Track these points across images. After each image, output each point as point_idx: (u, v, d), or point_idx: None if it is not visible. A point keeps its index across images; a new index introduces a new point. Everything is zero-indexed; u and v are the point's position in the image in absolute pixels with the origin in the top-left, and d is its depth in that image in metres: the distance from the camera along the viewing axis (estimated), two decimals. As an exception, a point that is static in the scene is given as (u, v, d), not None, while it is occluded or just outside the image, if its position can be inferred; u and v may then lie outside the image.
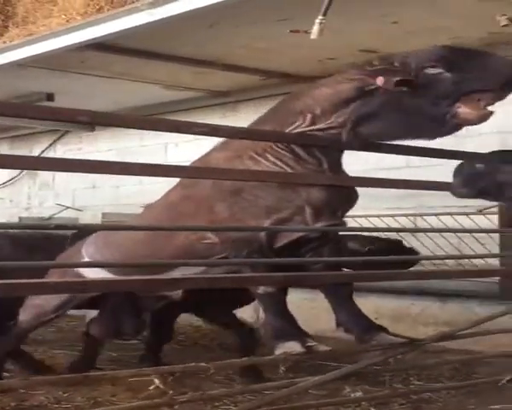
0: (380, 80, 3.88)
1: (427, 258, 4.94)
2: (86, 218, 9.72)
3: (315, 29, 4.67)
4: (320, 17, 4.67)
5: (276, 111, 4.30)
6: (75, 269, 4.62)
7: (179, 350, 6.46)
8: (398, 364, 5.41)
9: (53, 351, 6.09)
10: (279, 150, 4.07)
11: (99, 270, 4.49)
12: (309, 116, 4.03)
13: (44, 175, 10.88)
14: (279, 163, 4.04)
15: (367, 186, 4.64)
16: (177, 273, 4.13)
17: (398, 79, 3.81)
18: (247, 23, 5.97)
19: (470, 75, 3.80)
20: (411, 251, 5.48)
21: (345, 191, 4.18)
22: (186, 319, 7.56)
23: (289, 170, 4.03)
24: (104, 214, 8.98)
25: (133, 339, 5.80)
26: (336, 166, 4.16)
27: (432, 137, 4.07)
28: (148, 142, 9.34)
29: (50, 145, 10.81)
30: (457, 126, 3.95)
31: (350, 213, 5.59)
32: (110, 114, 3.46)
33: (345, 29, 5.89)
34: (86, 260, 4.81)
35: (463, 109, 3.82)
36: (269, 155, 4.07)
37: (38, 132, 10.87)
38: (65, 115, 3.43)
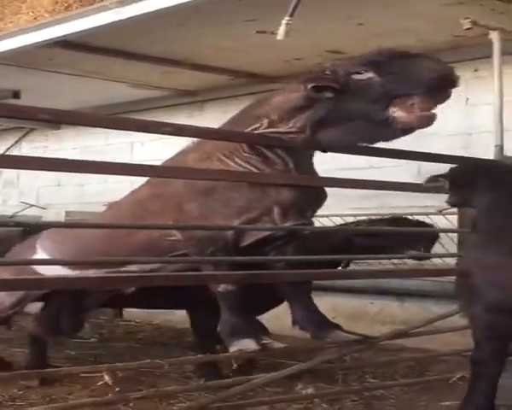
0: (304, 88, 3.95)
1: (386, 257, 4.97)
2: (50, 216, 9.66)
3: (281, 30, 4.70)
4: (287, 18, 4.71)
5: (239, 116, 4.37)
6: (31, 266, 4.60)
7: (137, 348, 6.47)
8: (353, 362, 5.49)
9: (12, 349, 5.99)
10: (246, 152, 4.13)
11: (56, 266, 4.50)
12: (266, 121, 4.10)
13: (9, 173, 10.83)
14: (246, 165, 4.11)
15: (332, 186, 4.70)
16: (134, 269, 4.18)
17: (313, 85, 3.89)
18: (215, 23, 5.99)
19: (397, 79, 3.82)
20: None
21: (313, 191, 4.24)
22: (145, 318, 7.59)
23: (257, 171, 4.08)
24: (68, 213, 8.93)
25: (69, 338, 5.75)
26: (304, 166, 4.22)
27: (379, 140, 4.11)
28: (114, 140, 9.31)
29: (16, 143, 10.75)
30: (403, 130, 3.98)
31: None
32: (73, 112, 3.46)
33: (311, 30, 5.92)
34: (41, 255, 4.80)
35: (399, 113, 3.86)
36: (236, 158, 4.13)
37: (3, 130, 10.78)
38: (27, 113, 3.42)
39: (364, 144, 4.20)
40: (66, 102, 8.09)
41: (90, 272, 4.24)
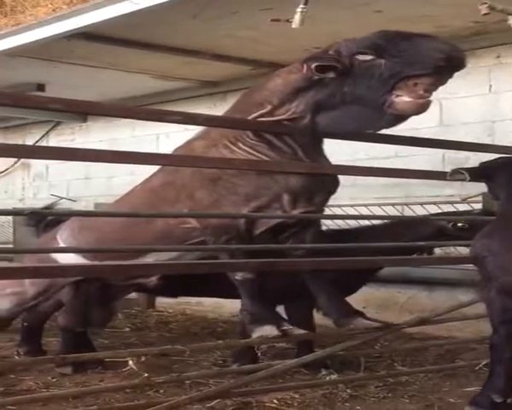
0: (304, 68, 3.91)
1: (411, 245, 4.94)
2: (80, 208, 9.73)
3: (296, 18, 4.66)
4: (301, 6, 4.66)
5: (239, 105, 4.38)
6: (53, 257, 4.69)
7: (169, 338, 6.53)
8: (383, 349, 5.58)
9: (47, 339, 6.09)
10: (251, 139, 4.13)
11: (74, 256, 4.56)
12: (269, 107, 4.08)
13: (38, 166, 10.93)
14: (252, 151, 4.11)
15: (348, 174, 4.71)
16: (151, 259, 4.22)
17: (316, 64, 3.84)
18: (230, 13, 5.97)
19: (402, 60, 3.74)
20: None
21: (324, 178, 4.22)
22: (178, 308, 7.64)
23: (264, 158, 4.08)
24: (97, 205, 9.00)
25: (101, 329, 5.81)
26: (314, 153, 4.20)
27: (375, 127, 4.06)
28: (140, 132, 9.38)
29: (43, 136, 10.83)
30: (397, 118, 3.92)
31: (337, 202, 5.63)
32: (83, 102, 3.46)
33: (329, 18, 5.89)
34: (61, 245, 4.88)
35: (400, 98, 3.79)
36: (241, 144, 4.13)
37: (31, 123, 10.89)
38: (38, 103, 3.43)
39: (377, 132, 4.17)
40: (90, 94, 8.10)
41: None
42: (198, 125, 4.17)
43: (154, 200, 4.42)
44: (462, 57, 3.85)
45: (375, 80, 3.79)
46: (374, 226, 5.27)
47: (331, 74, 3.85)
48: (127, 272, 4.23)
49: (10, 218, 10.23)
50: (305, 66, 3.94)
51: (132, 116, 3.77)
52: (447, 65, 3.78)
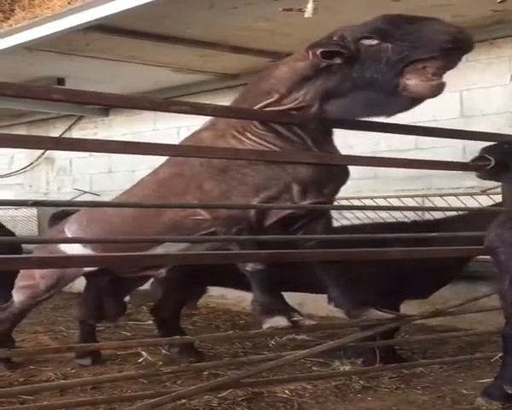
0: (310, 55, 3.87)
1: (427, 236, 4.89)
2: (100, 203, 9.75)
3: (309, 7, 4.63)
4: (314, -5, 4.64)
5: (249, 91, 4.34)
6: (61, 249, 4.72)
7: (191, 331, 6.55)
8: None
9: (69, 331, 6.35)
10: (259, 128, 4.10)
11: (82, 248, 4.59)
12: (276, 96, 4.04)
13: (61, 161, 10.99)
14: (261, 141, 4.08)
15: (360, 165, 4.66)
16: (161, 250, 4.21)
17: (322, 50, 3.79)
18: (244, 4, 5.89)
19: (408, 44, 3.68)
20: None
21: (333, 169, 4.17)
22: (201, 301, 7.68)
23: (274, 148, 4.06)
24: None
25: (114, 322, 5.84)
26: (323, 142, 4.16)
27: (389, 112, 3.97)
28: (161, 126, 9.40)
29: (66, 131, 10.88)
30: (413, 101, 3.86)
31: (357, 194, 5.57)
32: (85, 92, 3.43)
33: (347, 7, 5.80)
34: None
35: (412, 81, 3.72)
36: (249, 134, 4.10)
37: (53, 118, 10.95)
38: (40, 94, 3.40)
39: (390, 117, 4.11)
40: (112, 88, 8.09)
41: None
42: (206, 115, 4.14)
43: (162, 192, 4.41)
44: (468, 39, 3.78)
45: (383, 65, 3.74)
46: (461, 216, 5.24)
47: (338, 60, 3.81)
48: (132, 263, 4.22)
49: (35, 212, 10.37)
50: (310, 53, 3.89)
51: (136, 106, 3.73)
52: (454, 47, 3.71)
